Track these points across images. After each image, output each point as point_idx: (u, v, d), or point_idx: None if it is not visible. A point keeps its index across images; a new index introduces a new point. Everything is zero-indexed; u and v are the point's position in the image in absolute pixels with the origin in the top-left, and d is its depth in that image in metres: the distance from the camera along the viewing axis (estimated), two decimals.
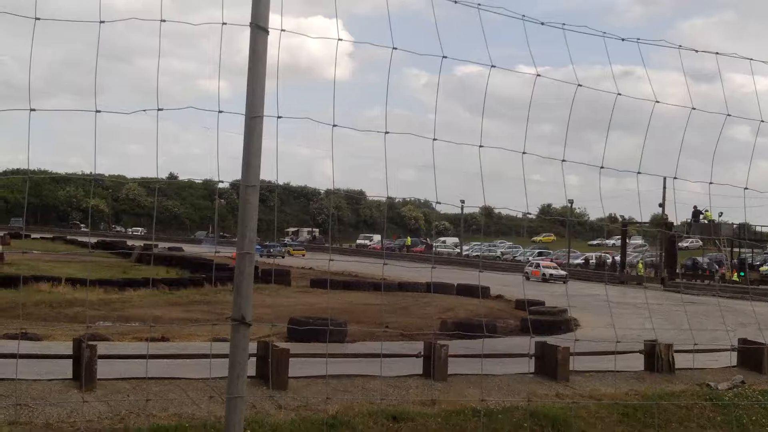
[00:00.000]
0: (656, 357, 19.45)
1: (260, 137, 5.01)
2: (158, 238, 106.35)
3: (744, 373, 19.76)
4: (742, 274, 69.71)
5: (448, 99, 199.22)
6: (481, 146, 6.13)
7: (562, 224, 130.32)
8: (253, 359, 14.77)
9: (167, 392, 13.62)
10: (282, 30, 5.25)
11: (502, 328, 31.82)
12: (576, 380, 17.72)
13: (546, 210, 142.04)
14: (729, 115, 6.96)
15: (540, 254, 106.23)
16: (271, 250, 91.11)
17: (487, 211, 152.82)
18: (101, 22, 5.32)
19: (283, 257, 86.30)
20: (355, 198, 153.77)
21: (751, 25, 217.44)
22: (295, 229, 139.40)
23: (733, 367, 20.73)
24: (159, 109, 5.44)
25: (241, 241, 4.96)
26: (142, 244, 76.70)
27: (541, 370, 17.99)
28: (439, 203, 6.39)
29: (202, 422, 11.72)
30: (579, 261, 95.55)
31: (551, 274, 68.97)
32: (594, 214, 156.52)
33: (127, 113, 5.71)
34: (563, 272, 70.58)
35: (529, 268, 73.23)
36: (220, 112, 5.44)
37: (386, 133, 5.81)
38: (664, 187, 66.43)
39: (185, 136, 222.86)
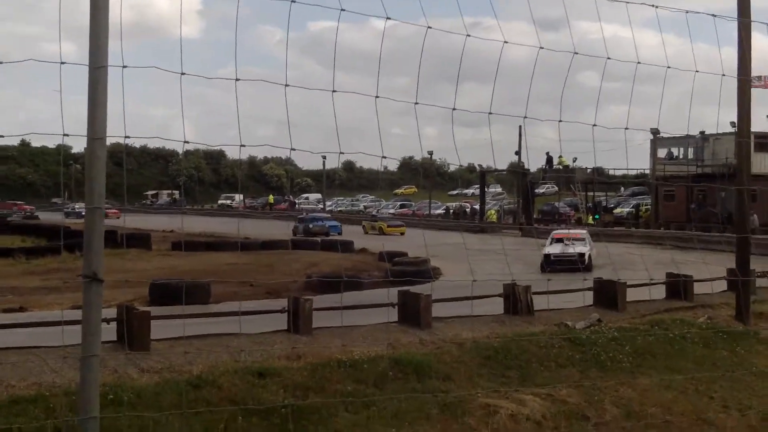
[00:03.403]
0: (515, 300, 19.90)
1: (105, 89, 4.87)
2: (9, 206, 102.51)
3: (600, 312, 20.37)
4: (596, 217, 72.01)
5: (302, 55, 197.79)
6: (334, 91, 6.10)
7: (423, 176, 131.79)
8: (114, 324, 14.50)
9: (26, 362, 13.23)
10: None
11: (367, 280, 32.07)
12: (438, 326, 17.98)
13: (407, 162, 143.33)
14: (576, 53, 7.12)
15: (402, 206, 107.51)
16: (311, 225, 65.35)
17: (349, 166, 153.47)
18: None
19: (327, 235, 60.42)
20: (214, 157, 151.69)
21: None
22: (155, 192, 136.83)
23: (590, 306, 21.36)
24: None
25: (90, 195, 4.83)
26: None
27: (405, 319, 18.18)
28: (294, 149, 6.35)
29: (63, 390, 11.42)
30: (440, 211, 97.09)
31: (556, 256, 38.71)
32: (454, 164, 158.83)
33: None
34: (580, 250, 39.30)
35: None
36: (62, 63, 5.25)
37: (237, 80, 5.73)
38: (520, 135, 67.90)
39: (32, 102, 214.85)
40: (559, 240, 41.74)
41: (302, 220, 68.54)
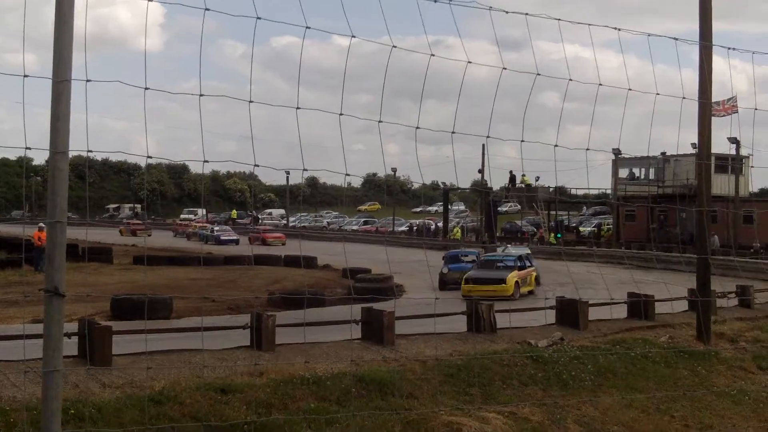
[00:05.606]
0: (478, 317, 19.92)
1: (68, 102, 4.83)
2: None
3: (563, 330, 20.46)
4: (559, 235, 72.28)
5: (265, 70, 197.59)
6: (298, 108, 6.09)
7: (387, 193, 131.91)
8: (76, 339, 14.36)
9: None
10: None
11: (330, 297, 32.00)
12: (402, 344, 17.95)
13: (371, 179, 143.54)
14: (539, 74, 7.17)
15: (366, 223, 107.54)
16: (445, 271, 39.48)
17: (312, 182, 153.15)
18: None
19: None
20: (177, 171, 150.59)
21: None
22: (117, 205, 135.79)
23: (552, 325, 21.44)
24: None
25: (52, 209, 4.79)
26: None
27: (368, 336, 18.14)
28: (258, 165, 6.34)
29: (24, 404, 11.30)
30: (403, 228, 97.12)
31: None
32: (417, 181, 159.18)
33: None
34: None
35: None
36: (25, 76, 5.22)
37: (201, 95, 5.72)
38: (483, 153, 68.13)
39: None
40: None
41: (449, 259, 42.66)
